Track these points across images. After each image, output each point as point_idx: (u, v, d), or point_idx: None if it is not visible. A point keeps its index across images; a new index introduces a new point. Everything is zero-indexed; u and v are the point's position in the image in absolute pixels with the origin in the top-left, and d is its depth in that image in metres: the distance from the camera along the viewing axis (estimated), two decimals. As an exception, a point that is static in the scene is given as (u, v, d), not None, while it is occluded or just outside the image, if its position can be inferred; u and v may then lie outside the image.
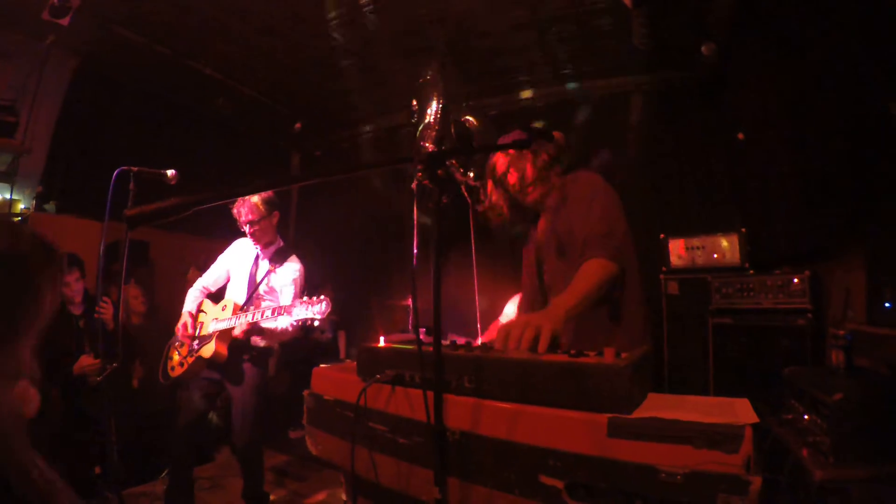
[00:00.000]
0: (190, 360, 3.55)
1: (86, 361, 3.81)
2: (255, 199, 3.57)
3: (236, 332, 3.42)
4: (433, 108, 4.00)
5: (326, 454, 1.82)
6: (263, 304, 3.53)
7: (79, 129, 5.50)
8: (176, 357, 3.69)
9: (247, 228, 3.62)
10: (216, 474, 4.61)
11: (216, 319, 3.57)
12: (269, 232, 3.73)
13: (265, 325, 3.38)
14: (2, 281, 0.97)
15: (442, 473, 1.21)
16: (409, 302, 4.98)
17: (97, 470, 3.89)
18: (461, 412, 1.36)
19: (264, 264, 3.71)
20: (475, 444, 1.32)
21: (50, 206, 5.30)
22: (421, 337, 1.56)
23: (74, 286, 4.07)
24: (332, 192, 7.74)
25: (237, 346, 3.53)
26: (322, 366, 1.99)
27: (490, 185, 2.42)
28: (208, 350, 3.47)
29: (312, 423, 1.87)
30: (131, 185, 3.21)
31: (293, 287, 3.67)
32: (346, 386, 1.70)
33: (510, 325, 1.58)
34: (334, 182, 7.35)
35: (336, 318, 6.87)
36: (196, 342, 3.59)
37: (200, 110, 6.56)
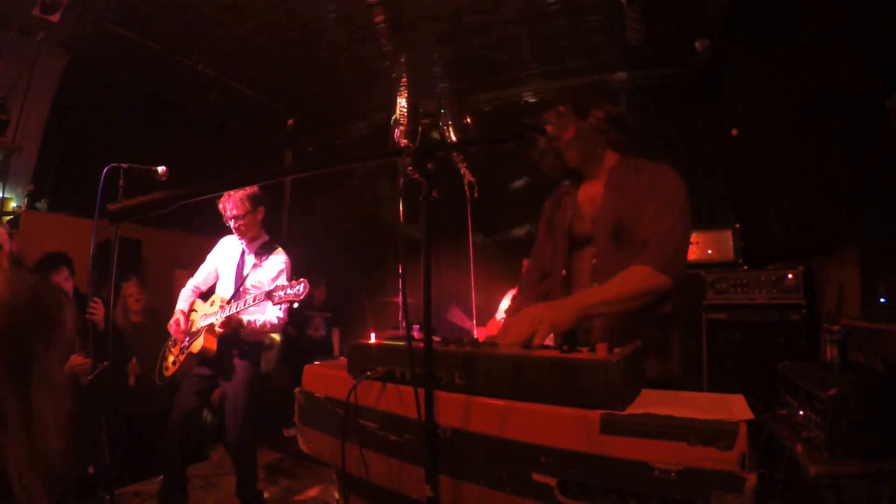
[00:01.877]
0: (181, 357, 3.56)
1: (76, 361, 3.77)
2: (240, 194, 3.56)
3: (217, 324, 3.43)
4: (401, 104, 4.00)
5: (318, 452, 1.80)
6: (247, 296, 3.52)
7: (70, 127, 5.47)
8: (170, 358, 3.70)
9: (232, 223, 3.62)
10: (210, 472, 4.59)
11: (205, 315, 3.58)
12: (254, 227, 3.72)
13: (248, 317, 3.45)
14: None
15: (433, 471, 1.19)
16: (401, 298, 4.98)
17: (90, 469, 3.86)
18: (452, 409, 1.34)
19: (250, 259, 3.71)
20: (467, 441, 1.31)
21: (41, 204, 5.27)
22: (415, 333, 1.54)
23: (64, 285, 4.03)
24: (324, 189, 7.73)
25: (227, 341, 3.53)
26: (314, 363, 1.97)
27: (541, 141, 2.21)
28: (197, 345, 3.48)
29: (304, 420, 1.85)
30: (121, 182, 3.19)
31: (281, 278, 3.67)
32: (337, 383, 1.68)
33: (518, 317, 1.57)
34: (327, 179, 7.34)
35: (329, 315, 6.87)
36: (187, 339, 3.59)
37: (193, 107, 6.53)
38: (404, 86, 4.50)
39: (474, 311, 4.82)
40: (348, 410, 1.56)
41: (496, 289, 5.68)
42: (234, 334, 3.53)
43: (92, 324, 3.61)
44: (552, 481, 1.14)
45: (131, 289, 4.92)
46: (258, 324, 3.52)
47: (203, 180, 1.14)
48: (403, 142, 4.93)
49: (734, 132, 4.86)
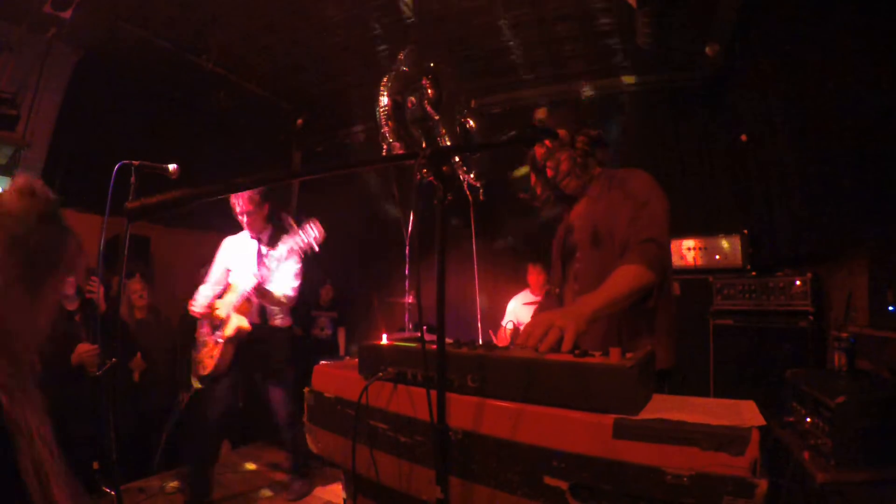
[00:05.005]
0: (218, 348, 3.74)
1: (83, 348, 3.78)
2: (249, 192, 3.86)
3: (248, 291, 3.71)
4: (384, 103, 3.99)
5: (327, 452, 1.81)
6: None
7: (80, 123, 5.47)
8: (204, 354, 3.84)
9: (243, 218, 3.93)
10: (217, 471, 4.59)
11: (228, 303, 3.79)
12: (260, 220, 4.03)
13: (269, 287, 3.78)
14: (49, 234, 1.36)
15: (444, 473, 1.19)
16: (410, 299, 4.98)
17: (95, 465, 3.88)
18: (464, 411, 1.35)
19: (264, 249, 3.97)
20: (478, 443, 1.31)
21: (50, 200, 5.28)
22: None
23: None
24: (332, 189, 7.72)
25: (256, 330, 3.86)
26: (323, 363, 1.97)
27: (532, 175, 2.42)
28: (230, 328, 3.70)
29: (313, 420, 1.86)
30: (133, 179, 3.20)
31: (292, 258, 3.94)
32: (348, 383, 1.69)
33: (533, 323, 1.57)
34: (334, 177, 7.35)
35: (335, 315, 6.87)
36: (216, 332, 3.79)
37: (202, 105, 6.53)
38: (384, 84, 4.46)
39: (479, 315, 4.81)
40: (359, 411, 1.56)
41: (502, 290, 5.68)
42: (262, 323, 3.92)
43: (96, 309, 3.67)
44: (564, 485, 1.15)
45: (135, 285, 4.98)
46: (277, 293, 3.85)
47: (217, 180, 1.14)
48: (391, 138, 4.89)
49: (743, 137, 4.85)
